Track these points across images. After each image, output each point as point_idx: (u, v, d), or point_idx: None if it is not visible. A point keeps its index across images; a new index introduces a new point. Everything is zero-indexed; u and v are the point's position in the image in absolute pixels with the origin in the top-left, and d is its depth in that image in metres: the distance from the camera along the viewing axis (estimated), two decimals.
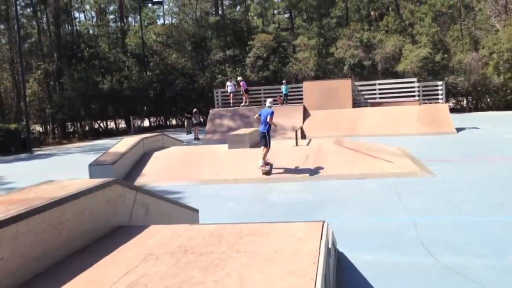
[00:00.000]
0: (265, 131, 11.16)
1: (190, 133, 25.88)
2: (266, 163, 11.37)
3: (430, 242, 5.81)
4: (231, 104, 25.28)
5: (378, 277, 4.87)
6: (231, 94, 25.31)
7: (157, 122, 39.78)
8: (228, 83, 25.91)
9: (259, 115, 11.46)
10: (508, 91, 31.35)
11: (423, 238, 6.01)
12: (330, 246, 3.70)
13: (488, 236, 6.00)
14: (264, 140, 11.23)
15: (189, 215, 5.74)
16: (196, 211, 6.05)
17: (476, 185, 9.13)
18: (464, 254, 5.36)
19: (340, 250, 5.61)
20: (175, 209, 5.33)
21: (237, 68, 35.95)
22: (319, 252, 3.04)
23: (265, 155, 11.30)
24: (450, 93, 32.07)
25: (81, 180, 4.08)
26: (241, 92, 25.24)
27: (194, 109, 25.83)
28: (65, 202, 3.25)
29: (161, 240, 3.57)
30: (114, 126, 38.15)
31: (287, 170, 11.26)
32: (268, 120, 11.11)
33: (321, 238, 3.32)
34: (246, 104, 24.83)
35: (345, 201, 8.52)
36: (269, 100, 11.96)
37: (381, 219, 7.13)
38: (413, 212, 7.36)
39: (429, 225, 6.58)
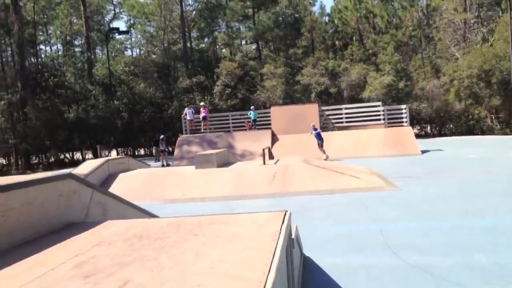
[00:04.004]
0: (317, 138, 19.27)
1: (159, 160, 25.41)
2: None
3: (397, 246, 5.81)
4: (189, 131, 25.15)
5: (345, 276, 4.82)
6: (191, 122, 25.20)
7: (125, 152, 38.99)
8: (187, 110, 25.63)
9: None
10: (470, 116, 32.32)
11: (390, 242, 6.00)
12: (293, 236, 3.58)
13: (453, 239, 6.04)
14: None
15: None
16: (158, 218, 5.85)
17: (440, 196, 9.23)
18: (430, 255, 5.38)
19: (307, 255, 5.52)
20: (136, 214, 5.14)
21: (206, 96, 35.97)
22: (280, 232, 2.93)
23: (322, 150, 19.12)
24: (414, 119, 32.84)
25: (32, 174, 3.87)
26: (200, 118, 25.04)
27: (161, 136, 25.42)
28: (11, 189, 3.06)
29: (116, 231, 3.39)
30: (81, 157, 37.21)
31: (255, 188, 11.13)
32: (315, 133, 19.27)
33: (282, 223, 3.22)
34: (203, 131, 24.73)
35: (313, 213, 8.45)
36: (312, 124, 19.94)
37: (348, 227, 7.08)
38: (380, 220, 7.35)
39: (395, 232, 6.58)
